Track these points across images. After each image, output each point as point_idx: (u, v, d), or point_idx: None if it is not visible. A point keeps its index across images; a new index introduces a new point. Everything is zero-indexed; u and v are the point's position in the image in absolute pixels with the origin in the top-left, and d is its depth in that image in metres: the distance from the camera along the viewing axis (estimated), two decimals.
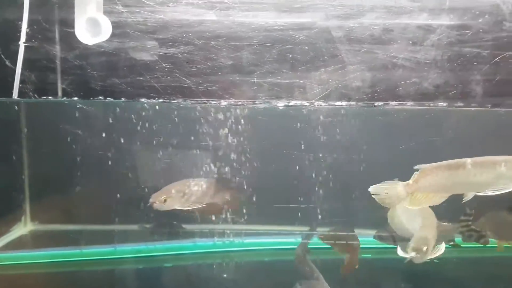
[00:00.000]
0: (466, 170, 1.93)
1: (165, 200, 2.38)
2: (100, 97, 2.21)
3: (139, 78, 2.15)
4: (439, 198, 1.99)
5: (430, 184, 1.96)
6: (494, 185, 1.92)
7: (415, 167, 1.97)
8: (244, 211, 2.88)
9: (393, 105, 2.16)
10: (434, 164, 1.98)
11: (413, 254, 2.04)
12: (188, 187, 2.45)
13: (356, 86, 2.13)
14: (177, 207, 2.43)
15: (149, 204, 2.38)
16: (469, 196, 1.96)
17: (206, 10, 2.07)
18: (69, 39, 2.13)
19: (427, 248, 2.04)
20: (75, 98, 2.22)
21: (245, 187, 2.83)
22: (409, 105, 2.15)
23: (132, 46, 2.12)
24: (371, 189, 1.99)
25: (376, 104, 2.16)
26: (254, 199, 2.85)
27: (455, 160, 1.97)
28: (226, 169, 2.81)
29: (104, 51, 2.14)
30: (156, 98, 2.17)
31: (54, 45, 2.18)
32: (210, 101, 2.21)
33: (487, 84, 2.13)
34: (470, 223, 2.38)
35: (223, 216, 2.85)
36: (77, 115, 2.69)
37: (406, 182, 1.99)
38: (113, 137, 2.84)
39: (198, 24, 2.08)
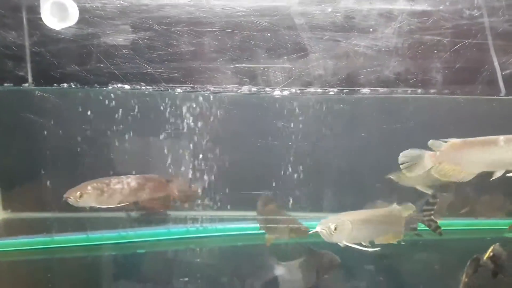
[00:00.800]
0: (499, 147, 1.90)
1: (80, 196, 2.28)
2: (61, 84, 2.18)
3: (98, 65, 2.12)
4: (468, 175, 1.96)
5: (459, 158, 1.94)
6: None
7: (444, 140, 1.95)
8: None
9: (356, 92, 2.17)
10: (466, 139, 1.95)
11: (319, 228, 2.07)
12: (107, 185, 2.33)
13: (318, 74, 2.14)
14: (95, 205, 2.32)
15: (63, 199, 2.28)
16: (498, 173, 1.93)
17: None
18: (30, 24, 2.08)
19: (336, 229, 2.05)
20: (34, 86, 2.18)
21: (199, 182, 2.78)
22: (370, 92, 2.16)
23: (91, 32, 2.08)
24: (401, 155, 1.97)
25: (339, 92, 2.17)
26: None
27: (487, 137, 1.94)
28: (172, 165, 2.76)
29: (63, 38, 2.09)
30: (116, 85, 2.15)
31: (13, 32, 2.13)
32: (175, 88, 2.19)
33: (447, 71, 2.15)
34: (432, 212, 2.41)
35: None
36: (42, 103, 2.64)
37: (434, 152, 1.96)
38: (82, 125, 2.81)
39: (157, 9, 2.05)
